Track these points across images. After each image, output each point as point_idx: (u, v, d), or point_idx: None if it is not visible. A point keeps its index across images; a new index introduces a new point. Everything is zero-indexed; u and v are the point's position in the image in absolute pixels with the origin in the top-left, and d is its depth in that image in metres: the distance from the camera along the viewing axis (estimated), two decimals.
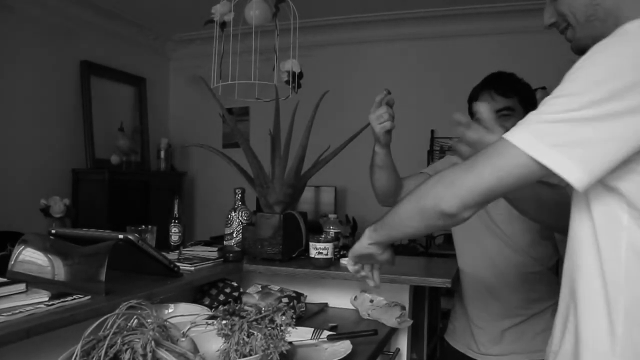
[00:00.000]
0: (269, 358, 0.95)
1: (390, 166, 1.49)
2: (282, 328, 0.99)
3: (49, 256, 1.26)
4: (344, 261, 1.76)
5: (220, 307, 1.03)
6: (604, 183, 0.76)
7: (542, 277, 1.60)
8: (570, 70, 0.75)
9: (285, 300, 1.55)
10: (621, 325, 0.77)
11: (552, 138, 0.72)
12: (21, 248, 1.29)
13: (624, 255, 0.77)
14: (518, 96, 1.54)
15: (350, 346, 1.26)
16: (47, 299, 1.12)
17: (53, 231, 1.43)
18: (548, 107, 0.74)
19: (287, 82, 1.95)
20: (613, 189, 0.76)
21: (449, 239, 3.62)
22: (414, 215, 0.91)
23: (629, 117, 0.69)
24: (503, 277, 1.60)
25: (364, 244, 1.05)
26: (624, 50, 0.71)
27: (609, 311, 0.78)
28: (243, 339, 0.96)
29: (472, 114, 1.58)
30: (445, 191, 0.83)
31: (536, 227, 1.54)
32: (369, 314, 1.61)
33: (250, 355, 0.95)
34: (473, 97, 1.61)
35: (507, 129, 0.79)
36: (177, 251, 1.84)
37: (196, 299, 1.62)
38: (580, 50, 0.83)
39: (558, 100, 0.73)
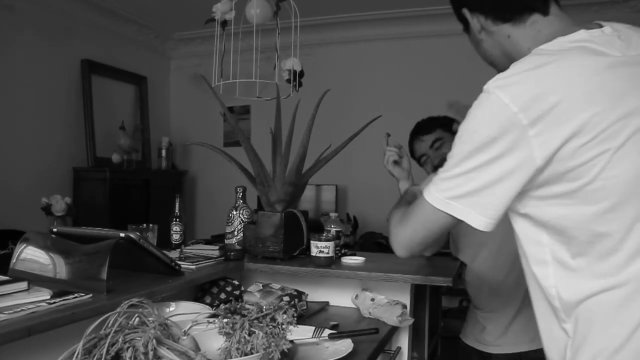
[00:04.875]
0: (270, 356, 0.95)
1: None
2: (284, 327, 0.99)
3: (51, 254, 1.26)
4: (345, 260, 1.77)
5: (222, 306, 1.03)
6: (517, 212, 0.92)
7: None
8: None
9: (286, 298, 1.55)
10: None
11: (450, 192, 0.89)
12: (23, 246, 1.30)
13: (552, 269, 0.90)
14: (440, 127, 1.90)
15: (352, 345, 1.26)
16: (48, 297, 1.12)
17: (54, 229, 1.43)
18: (445, 166, 0.92)
19: (288, 80, 1.95)
20: (525, 215, 0.91)
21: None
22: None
23: (496, 162, 0.85)
24: (511, 273, 1.64)
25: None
26: (478, 113, 0.88)
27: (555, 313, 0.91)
28: (244, 337, 0.96)
29: (412, 151, 1.93)
30: (394, 243, 1.05)
31: None
32: (370, 313, 1.61)
33: (252, 353, 0.95)
34: (409, 144, 1.94)
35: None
36: (178, 250, 1.84)
37: (197, 298, 1.62)
38: None
39: (449, 161, 0.91)
